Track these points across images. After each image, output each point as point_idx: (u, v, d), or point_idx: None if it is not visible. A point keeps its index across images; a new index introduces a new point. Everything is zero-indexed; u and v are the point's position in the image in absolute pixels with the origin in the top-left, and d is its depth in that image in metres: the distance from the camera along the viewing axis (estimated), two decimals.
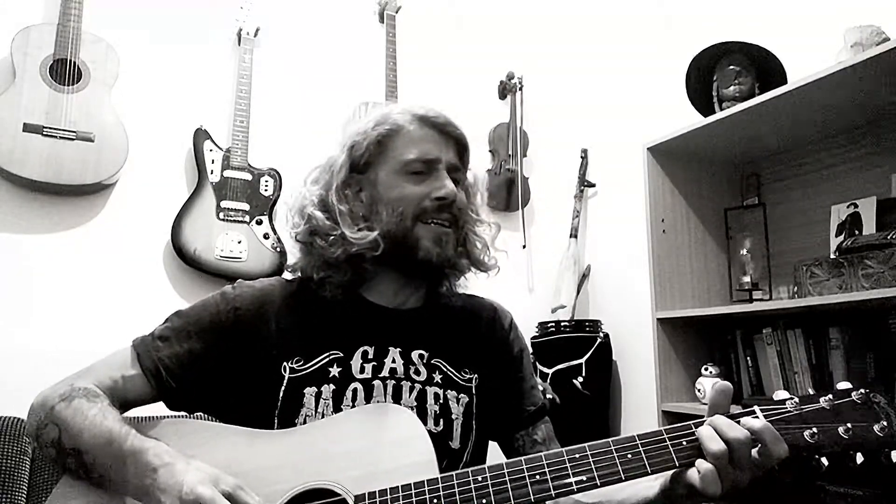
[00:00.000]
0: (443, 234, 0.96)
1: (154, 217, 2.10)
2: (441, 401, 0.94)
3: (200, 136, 2.17)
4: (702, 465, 0.73)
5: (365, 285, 1.00)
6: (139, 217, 2.09)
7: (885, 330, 1.56)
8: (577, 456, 0.77)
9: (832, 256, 1.65)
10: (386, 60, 2.48)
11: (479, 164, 2.71)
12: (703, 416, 0.78)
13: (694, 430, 0.76)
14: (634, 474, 0.75)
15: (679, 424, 0.78)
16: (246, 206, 2.18)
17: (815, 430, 0.73)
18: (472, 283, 1.08)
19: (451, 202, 0.95)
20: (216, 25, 2.31)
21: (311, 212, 0.97)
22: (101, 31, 2.03)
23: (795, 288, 1.75)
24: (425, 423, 0.88)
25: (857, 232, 1.69)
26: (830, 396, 0.75)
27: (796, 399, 0.76)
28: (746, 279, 1.89)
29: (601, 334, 2.38)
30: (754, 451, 0.73)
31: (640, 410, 2.36)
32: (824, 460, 0.72)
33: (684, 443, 0.76)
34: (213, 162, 2.17)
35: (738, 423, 0.74)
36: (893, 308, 1.53)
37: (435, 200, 0.95)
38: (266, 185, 2.23)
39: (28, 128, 1.86)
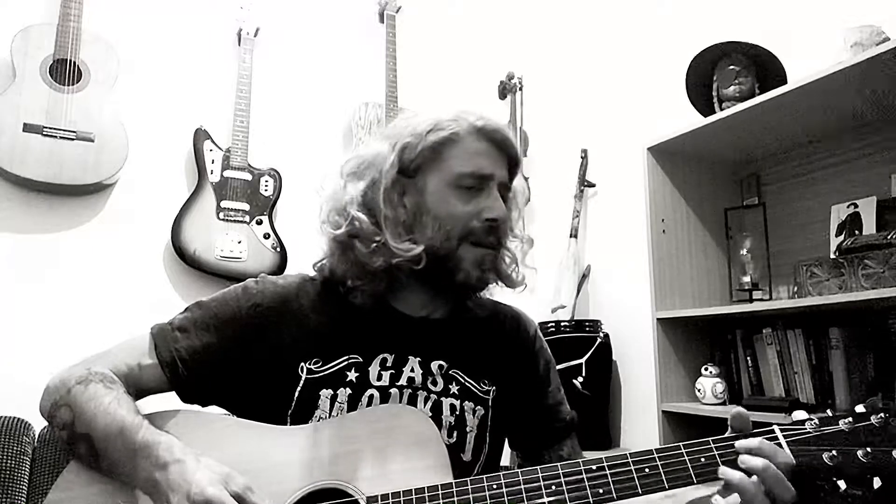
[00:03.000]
0: (486, 257, 0.93)
1: (154, 217, 2.10)
2: (457, 412, 0.93)
3: (200, 136, 2.17)
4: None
5: (393, 293, 0.97)
6: (139, 217, 2.09)
7: (885, 330, 1.56)
8: (594, 468, 0.75)
9: (832, 256, 1.65)
10: (386, 60, 2.48)
11: None
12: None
13: (712, 446, 0.75)
14: (652, 489, 0.74)
15: (698, 440, 0.77)
16: (246, 206, 2.18)
17: (834, 452, 0.72)
18: None
19: (500, 225, 0.93)
20: (216, 25, 2.31)
21: (354, 213, 0.91)
22: (101, 31, 2.04)
23: (795, 288, 1.75)
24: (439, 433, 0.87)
25: (857, 232, 1.69)
26: (850, 419, 0.74)
27: (816, 420, 0.75)
28: (746, 279, 1.89)
29: (601, 334, 2.38)
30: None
31: (640, 410, 2.35)
32: (842, 483, 0.72)
33: (702, 459, 0.74)
34: (213, 162, 2.17)
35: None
36: (893, 308, 1.53)
37: (485, 221, 0.91)
38: (266, 185, 2.23)
39: (28, 128, 1.86)
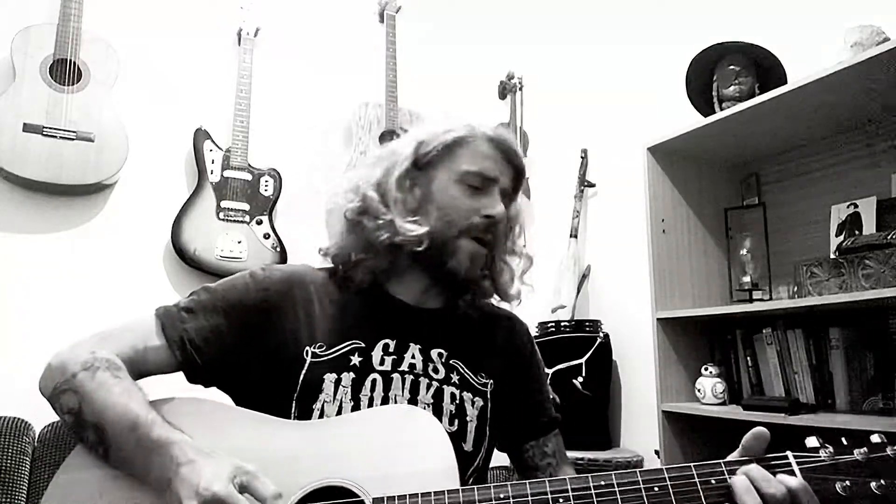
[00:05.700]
0: (478, 252, 0.97)
1: (154, 217, 2.10)
2: (457, 401, 0.95)
3: (200, 136, 2.18)
4: None
5: (391, 280, 1.01)
6: (139, 217, 2.09)
7: (885, 330, 1.56)
8: (602, 483, 0.75)
9: (832, 256, 1.65)
10: (386, 60, 2.49)
11: None
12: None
13: (724, 468, 0.75)
14: None
15: (708, 462, 0.77)
16: (246, 206, 2.18)
17: (847, 482, 0.72)
18: None
19: (497, 223, 0.97)
20: (216, 25, 2.31)
21: (366, 191, 0.98)
22: (101, 31, 2.04)
23: (795, 288, 1.75)
24: (440, 421, 0.88)
25: (857, 232, 1.69)
26: (865, 450, 0.74)
27: (830, 448, 0.75)
28: (746, 279, 1.88)
29: (601, 334, 2.38)
30: None
31: (640, 410, 2.35)
32: None
33: (713, 481, 0.74)
34: (213, 162, 2.17)
35: (775, 476, 0.72)
36: (893, 308, 1.53)
37: (484, 218, 0.96)
38: (266, 185, 2.23)
39: (28, 128, 1.86)
